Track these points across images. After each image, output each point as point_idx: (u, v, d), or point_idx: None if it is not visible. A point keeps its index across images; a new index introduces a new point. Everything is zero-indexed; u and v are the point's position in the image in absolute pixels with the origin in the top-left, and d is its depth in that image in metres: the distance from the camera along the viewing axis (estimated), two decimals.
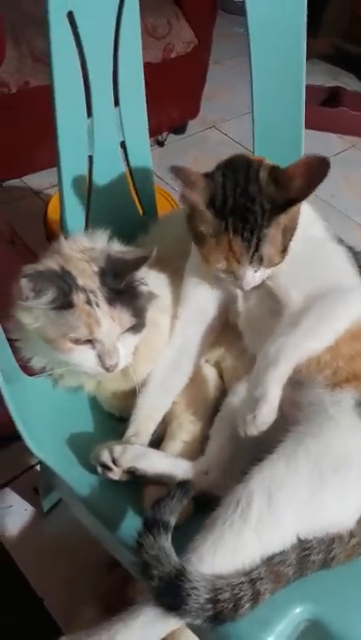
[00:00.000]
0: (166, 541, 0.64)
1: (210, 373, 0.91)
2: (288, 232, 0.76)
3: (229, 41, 2.31)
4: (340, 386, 0.75)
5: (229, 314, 0.88)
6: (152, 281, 0.85)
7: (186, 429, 0.84)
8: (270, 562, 0.65)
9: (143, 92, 0.96)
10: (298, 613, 0.67)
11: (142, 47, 0.93)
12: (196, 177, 0.75)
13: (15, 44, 1.63)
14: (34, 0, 1.72)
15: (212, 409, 0.87)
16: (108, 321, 0.76)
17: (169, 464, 0.78)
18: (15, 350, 0.80)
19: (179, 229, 0.88)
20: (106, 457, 0.76)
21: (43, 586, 1.11)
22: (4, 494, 1.24)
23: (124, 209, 1.03)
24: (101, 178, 0.97)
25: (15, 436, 0.78)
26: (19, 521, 1.20)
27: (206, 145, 2.30)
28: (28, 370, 0.83)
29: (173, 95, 2.05)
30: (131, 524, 0.74)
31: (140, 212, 1.07)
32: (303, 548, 0.66)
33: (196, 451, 0.82)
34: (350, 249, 0.86)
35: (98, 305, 0.75)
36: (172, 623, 0.64)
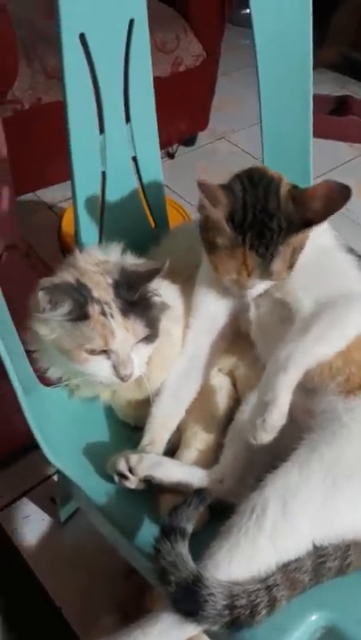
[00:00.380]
0: (183, 548, 0.65)
1: (223, 382, 0.91)
2: (297, 251, 0.77)
3: (236, 53, 2.33)
4: (353, 393, 0.76)
5: (241, 323, 0.89)
6: (165, 292, 0.86)
7: (200, 438, 0.85)
8: (286, 569, 0.66)
9: (154, 108, 0.98)
10: (314, 620, 0.67)
11: (152, 62, 0.94)
12: (218, 192, 0.75)
13: (28, 61, 1.66)
14: (46, 18, 1.77)
15: (225, 418, 0.87)
16: (123, 332, 0.77)
17: (184, 472, 0.79)
18: (32, 361, 0.82)
19: (190, 241, 0.90)
20: (122, 466, 0.77)
21: (60, 595, 1.12)
22: (22, 504, 1.25)
23: (136, 222, 1.05)
24: (114, 192, 0.99)
25: (33, 446, 0.80)
26: (37, 531, 1.22)
27: (216, 156, 2.32)
28: (44, 380, 0.85)
29: (183, 108, 2.07)
30: (147, 531, 0.75)
31: (152, 224, 1.08)
32: (319, 554, 0.67)
33: (210, 459, 0.83)
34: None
35: (112, 316, 0.77)
36: (190, 630, 0.64)
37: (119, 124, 0.95)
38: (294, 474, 0.68)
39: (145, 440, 0.83)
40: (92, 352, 0.76)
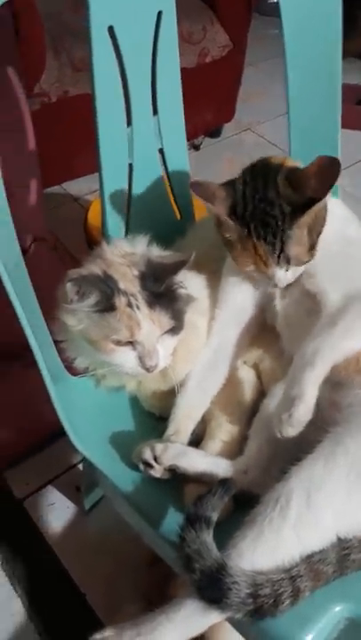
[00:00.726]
0: (208, 536, 0.65)
1: (248, 375, 0.91)
2: (314, 230, 0.77)
3: (263, 43, 2.30)
4: None
5: (267, 315, 0.89)
6: (190, 284, 0.87)
7: (225, 429, 0.86)
8: (310, 560, 0.66)
9: (181, 100, 0.98)
10: (338, 612, 0.67)
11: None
12: (214, 189, 0.77)
13: (55, 54, 1.68)
14: (73, 11, 1.78)
15: (250, 410, 0.87)
16: (148, 323, 0.78)
17: (209, 463, 0.80)
18: (60, 351, 0.83)
19: (215, 232, 0.90)
20: (148, 455, 0.78)
21: (85, 582, 1.14)
22: (48, 492, 1.28)
23: (162, 214, 1.05)
24: (141, 185, 0.99)
25: (59, 434, 0.81)
26: (62, 518, 1.24)
27: (242, 148, 2.31)
28: (72, 370, 0.86)
29: (209, 99, 2.06)
30: (172, 520, 0.76)
31: (178, 216, 1.09)
32: (343, 547, 0.67)
33: (234, 450, 0.83)
34: None
35: (138, 308, 0.78)
36: (213, 617, 0.65)
37: (146, 116, 0.95)
38: (319, 466, 0.68)
39: (170, 430, 0.83)
40: (119, 343, 0.77)
